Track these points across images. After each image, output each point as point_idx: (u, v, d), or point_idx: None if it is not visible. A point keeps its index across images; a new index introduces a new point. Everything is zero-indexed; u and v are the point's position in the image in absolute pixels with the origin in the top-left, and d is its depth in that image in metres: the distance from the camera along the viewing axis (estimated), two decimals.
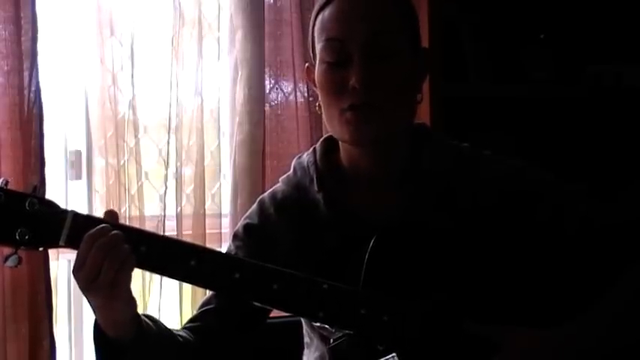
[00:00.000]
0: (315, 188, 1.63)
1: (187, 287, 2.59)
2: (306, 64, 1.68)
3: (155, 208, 2.60)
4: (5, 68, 2.32)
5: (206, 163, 2.64)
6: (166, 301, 2.57)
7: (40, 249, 1.44)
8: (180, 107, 2.60)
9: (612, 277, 1.51)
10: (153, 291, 2.53)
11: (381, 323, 1.46)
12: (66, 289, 2.58)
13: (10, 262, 1.41)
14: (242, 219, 1.71)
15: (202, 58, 2.62)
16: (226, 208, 2.69)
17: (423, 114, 2.47)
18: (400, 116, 1.59)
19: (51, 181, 2.44)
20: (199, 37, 2.62)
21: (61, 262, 2.53)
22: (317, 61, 1.60)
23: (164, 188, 2.59)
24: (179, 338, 1.57)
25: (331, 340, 1.52)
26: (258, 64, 2.68)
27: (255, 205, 1.70)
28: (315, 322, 1.57)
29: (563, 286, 1.54)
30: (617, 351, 1.49)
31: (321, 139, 1.70)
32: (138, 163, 2.57)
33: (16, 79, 2.32)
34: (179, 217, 2.60)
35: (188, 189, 2.62)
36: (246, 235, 1.67)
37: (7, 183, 1.42)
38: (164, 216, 2.58)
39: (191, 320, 1.64)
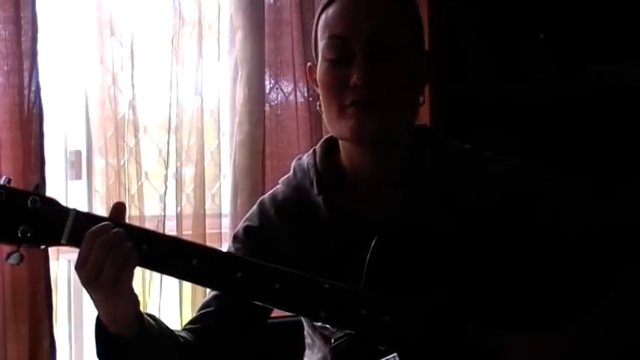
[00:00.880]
0: (315, 191, 1.63)
1: (187, 287, 2.59)
2: (308, 64, 1.68)
3: (155, 208, 2.60)
4: (5, 68, 2.32)
5: (206, 163, 2.63)
6: (166, 301, 2.57)
7: (42, 247, 1.44)
8: (180, 107, 2.60)
9: (612, 277, 1.51)
10: (153, 291, 2.53)
11: (382, 323, 1.46)
12: (66, 289, 2.58)
13: (12, 260, 1.41)
14: (242, 221, 1.71)
15: (202, 58, 2.62)
16: (226, 208, 2.68)
17: (423, 114, 2.46)
18: (401, 115, 1.59)
19: (51, 181, 2.44)
20: (199, 37, 2.62)
21: (61, 262, 2.53)
22: (319, 60, 1.60)
23: (164, 188, 2.59)
24: (180, 338, 1.57)
25: (332, 340, 1.52)
26: (258, 64, 2.68)
27: (255, 207, 1.70)
28: (317, 322, 1.57)
29: (563, 286, 1.54)
30: (617, 352, 1.49)
31: (321, 141, 1.70)
32: (138, 163, 2.57)
33: (16, 79, 2.32)
34: (179, 217, 2.60)
35: (188, 189, 2.62)
36: (246, 237, 1.67)
37: (9, 181, 1.42)
38: (164, 216, 2.58)
39: (190, 322, 1.64)
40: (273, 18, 2.68)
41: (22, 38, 2.33)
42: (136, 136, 2.56)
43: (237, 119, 2.68)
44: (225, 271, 1.45)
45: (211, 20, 2.66)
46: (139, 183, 2.57)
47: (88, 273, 1.39)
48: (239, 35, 2.68)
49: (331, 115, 1.58)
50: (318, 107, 1.62)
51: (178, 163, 2.61)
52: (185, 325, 1.64)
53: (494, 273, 1.52)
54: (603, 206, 1.60)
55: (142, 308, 1.49)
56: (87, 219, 1.42)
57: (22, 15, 2.32)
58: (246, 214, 1.73)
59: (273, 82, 2.69)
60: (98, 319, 1.46)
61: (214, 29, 2.67)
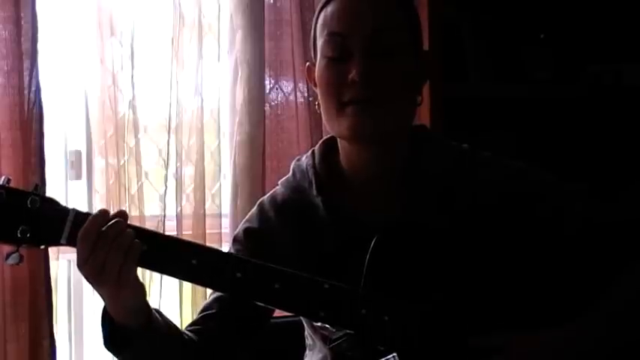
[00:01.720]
0: (314, 192, 1.63)
1: (187, 287, 2.59)
2: (307, 63, 1.67)
3: (155, 208, 2.60)
4: (5, 68, 2.33)
5: (206, 163, 2.64)
6: (166, 302, 2.57)
7: (42, 247, 1.44)
8: (180, 107, 2.60)
9: (612, 276, 1.51)
10: (153, 291, 2.53)
11: (381, 323, 1.46)
12: (66, 289, 2.59)
13: (11, 260, 1.41)
14: (242, 222, 1.71)
15: (202, 59, 2.62)
16: (226, 208, 2.69)
17: (423, 114, 2.47)
18: (400, 114, 1.59)
19: (51, 181, 2.44)
20: (199, 38, 2.62)
21: (61, 262, 2.54)
22: (318, 58, 1.60)
23: (164, 188, 2.59)
24: (184, 336, 1.58)
25: (331, 340, 1.52)
26: (258, 64, 2.68)
27: (254, 209, 1.70)
28: (316, 322, 1.57)
29: (563, 285, 1.54)
30: (617, 350, 1.49)
31: (320, 142, 1.70)
32: (138, 163, 2.57)
33: (16, 79, 2.33)
34: (179, 217, 2.60)
35: (188, 189, 2.62)
36: (246, 239, 1.66)
37: (9, 181, 1.42)
38: (164, 216, 2.59)
39: (192, 324, 1.64)
40: (273, 18, 2.68)
41: (22, 38, 2.33)
42: (136, 136, 2.56)
43: (237, 119, 2.68)
44: (225, 271, 1.45)
45: (211, 20, 2.66)
46: (139, 183, 2.57)
47: (91, 270, 1.39)
48: (239, 35, 2.68)
49: (329, 113, 1.58)
50: (316, 107, 1.62)
51: (178, 163, 2.61)
52: (186, 327, 1.64)
53: (493, 273, 1.52)
54: (603, 206, 1.60)
55: None
56: (86, 219, 1.41)
57: (22, 15, 2.33)
58: (246, 214, 1.73)
59: (273, 82, 2.69)
60: (105, 311, 1.46)
61: (214, 29, 2.67)
